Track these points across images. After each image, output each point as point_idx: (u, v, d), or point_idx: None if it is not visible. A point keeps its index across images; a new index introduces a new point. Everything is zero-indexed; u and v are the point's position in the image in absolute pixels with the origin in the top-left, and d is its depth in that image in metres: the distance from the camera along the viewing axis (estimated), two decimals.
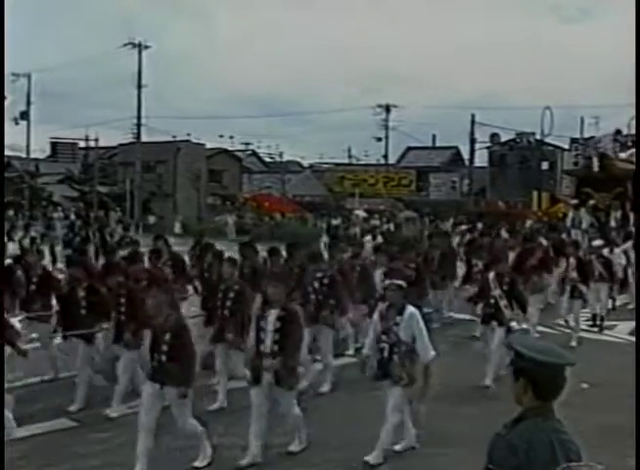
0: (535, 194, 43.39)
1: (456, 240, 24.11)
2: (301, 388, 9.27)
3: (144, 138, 57.81)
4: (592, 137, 28.78)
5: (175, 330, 7.32)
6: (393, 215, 49.08)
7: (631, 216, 24.25)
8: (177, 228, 47.84)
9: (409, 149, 68.99)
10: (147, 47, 56.29)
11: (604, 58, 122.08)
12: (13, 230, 24.81)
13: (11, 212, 40.46)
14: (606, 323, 16.04)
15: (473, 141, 54.90)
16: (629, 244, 19.93)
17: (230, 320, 9.55)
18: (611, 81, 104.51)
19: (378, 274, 12.12)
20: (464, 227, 25.59)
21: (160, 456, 7.43)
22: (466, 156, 60.52)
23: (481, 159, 58.44)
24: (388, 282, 8.09)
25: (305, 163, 75.65)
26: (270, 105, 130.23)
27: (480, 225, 37.81)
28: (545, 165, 50.29)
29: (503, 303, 10.91)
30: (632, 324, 15.84)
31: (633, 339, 14.77)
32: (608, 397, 10.20)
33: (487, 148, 57.36)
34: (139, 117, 56.74)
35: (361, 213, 47.22)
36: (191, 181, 58.00)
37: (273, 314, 7.62)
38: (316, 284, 10.80)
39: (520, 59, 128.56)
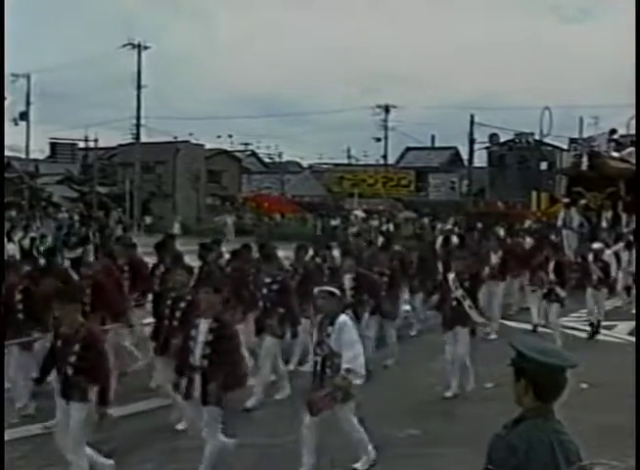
0: (534, 194, 43.38)
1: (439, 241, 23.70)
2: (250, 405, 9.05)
3: (143, 139, 57.88)
4: (591, 137, 28.36)
5: (86, 341, 6.64)
6: (393, 216, 49.11)
7: (623, 217, 24.15)
8: (176, 229, 47.79)
9: (408, 149, 68.96)
10: (146, 48, 56.37)
11: (603, 58, 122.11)
12: (12, 231, 24.79)
13: (13, 213, 40.48)
14: (605, 323, 16.01)
15: (472, 141, 54.93)
16: (620, 245, 19.66)
17: (177, 332, 8.46)
18: (610, 81, 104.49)
19: (346, 279, 11.02)
20: (448, 227, 24.72)
21: None
22: (465, 156, 60.57)
23: (481, 159, 58.47)
24: (317, 290, 7.52)
25: (305, 163, 75.70)
26: (269, 105, 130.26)
27: (460, 224, 37.91)
28: (544, 166, 50.29)
29: (467, 303, 10.23)
30: (631, 324, 15.84)
31: (633, 339, 14.77)
32: (607, 397, 10.20)
33: (486, 148, 57.34)
34: (138, 118, 56.79)
35: (360, 214, 47.26)
36: (190, 182, 58.02)
37: (204, 324, 7.00)
38: (265, 290, 10.06)
39: (519, 59, 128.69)
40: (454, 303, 10.29)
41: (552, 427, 3.24)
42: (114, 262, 12.18)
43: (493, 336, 14.22)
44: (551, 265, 13.84)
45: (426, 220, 44.01)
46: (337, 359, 7.04)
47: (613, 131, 27.84)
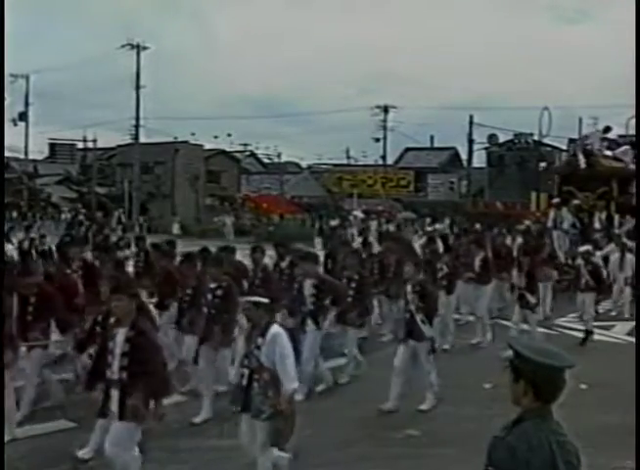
0: (534, 195, 43.38)
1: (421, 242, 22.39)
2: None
3: (142, 139, 57.88)
4: (584, 136, 27.70)
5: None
6: (392, 216, 49.11)
7: (616, 218, 23.44)
8: (176, 229, 47.87)
9: (407, 150, 69.03)
10: (145, 48, 56.36)
11: (602, 58, 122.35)
12: (11, 231, 24.80)
13: (14, 214, 40.54)
14: (604, 324, 16.01)
15: (471, 142, 55.01)
16: (611, 247, 19.21)
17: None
18: (609, 82, 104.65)
19: (307, 285, 10.29)
20: (429, 229, 23.27)
21: None
22: (464, 156, 60.66)
23: (480, 159, 58.54)
24: (244, 300, 6.98)
25: (304, 163, 75.78)
26: (269, 106, 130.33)
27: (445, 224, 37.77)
28: (543, 166, 50.31)
29: (419, 317, 9.43)
30: (630, 325, 15.87)
31: (631, 339, 14.80)
32: (605, 397, 10.22)
33: (485, 149, 57.37)
34: (137, 119, 56.79)
35: (359, 214, 47.18)
36: (189, 182, 58.06)
37: (121, 334, 6.44)
38: (209, 296, 9.44)
39: (518, 60, 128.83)
40: (407, 314, 9.57)
41: (551, 428, 3.25)
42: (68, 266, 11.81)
43: (477, 340, 13.93)
44: (523, 269, 13.26)
45: (428, 220, 43.94)
46: (265, 374, 6.47)
47: (606, 129, 26.94)
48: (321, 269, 12.51)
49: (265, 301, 6.67)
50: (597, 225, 22.87)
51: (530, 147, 53.98)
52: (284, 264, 12.60)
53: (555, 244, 22.06)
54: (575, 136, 26.49)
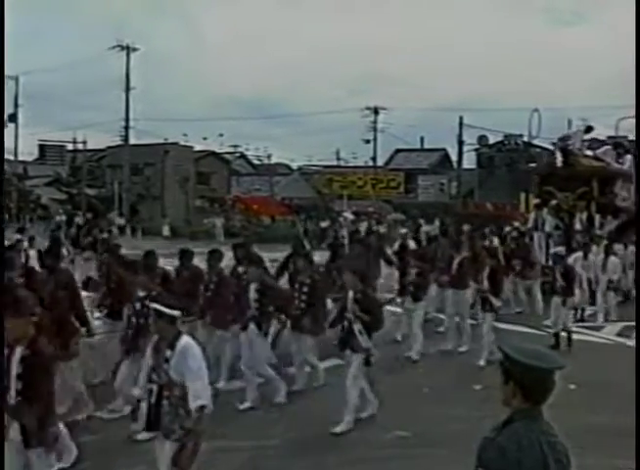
0: (523, 196, 43.45)
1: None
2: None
3: (132, 141, 57.81)
4: (566, 135, 27.13)
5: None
6: (382, 217, 49.15)
7: (597, 218, 22.97)
8: (165, 231, 47.78)
9: (397, 151, 69.08)
10: (135, 49, 56.32)
11: (594, 60, 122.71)
12: None
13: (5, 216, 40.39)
14: (593, 324, 16.03)
15: (461, 143, 55.13)
16: (578, 254, 18.04)
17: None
18: (600, 84, 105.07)
19: (252, 290, 9.96)
20: (403, 231, 21.93)
21: None
22: (454, 158, 60.77)
23: (470, 161, 58.67)
24: (152, 306, 6.41)
25: (294, 165, 75.69)
26: (258, 107, 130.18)
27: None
28: (525, 167, 50.44)
29: (357, 327, 8.78)
30: (620, 325, 15.92)
31: (620, 340, 14.86)
32: (595, 397, 10.24)
33: (475, 150, 57.52)
34: (127, 120, 56.72)
35: (349, 216, 47.18)
36: (179, 184, 57.97)
37: (17, 354, 5.75)
38: (137, 305, 8.84)
39: (509, 61, 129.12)
40: (346, 323, 9.00)
41: (541, 428, 3.26)
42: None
43: (464, 348, 13.48)
44: (485, 272, 12.73)
45: (421, 221, 43.96)
46: (175, 390, 5.89)
47: (588, 129, 26.16)
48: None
49: (168, 311, 6.01)
50: (578, 226, 22.44)
51: (520, 148, 54.13)
52: (241, 269, 11.70)
53: (535, 245, 21.68)
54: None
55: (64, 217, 42.14)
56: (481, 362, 11.97)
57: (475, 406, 9.05)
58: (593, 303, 17.35)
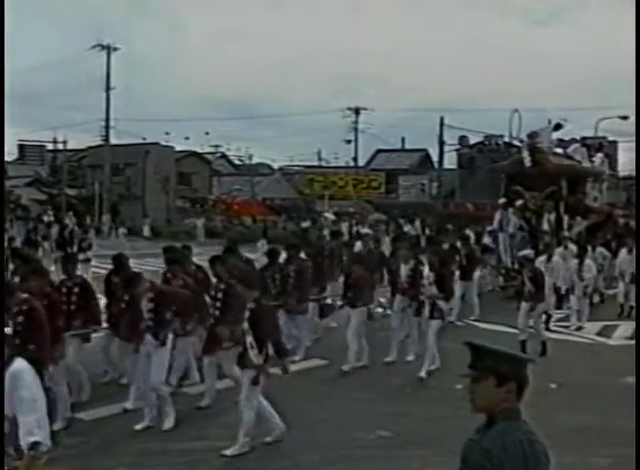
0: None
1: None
2: None
3: (113, 141, 57.53)
4: (561, 140, 26.54)
5: None
6: (363, 218, 49.24)
7: (565, 219, 22.12)
8: (146, 231, 47.62)
9: (378, 151, 69.20)
10: (116, 49, 56.04)
11: (574, 61, 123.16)
12: None
13: None
14: (577, 323, 16.05)
15: (442, 144, 55.19)
16: (559, 251, 17.75)
17: None
18: (580, 84, 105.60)
19: (144, 301, 9.02)
20: (364, 230, 20.68)
21: None
22: (435, 158, 60.80)
23: (451, 161, 58.73)
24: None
25: (275, 165, 75.57)
26: (240, 107, 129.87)
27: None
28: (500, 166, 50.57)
29: (249, 340, 7.95)
30: (599, 325, 16.02)
31: (601, 339, 14.95)
32: (575, 397, 10.29)
33: (456, 150, 57.64)
34: (108, 120, 56.45)
35: (330, 216, 47.35)
36: (160, 184, 57.73)
37: None
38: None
39: (489, 61, 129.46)
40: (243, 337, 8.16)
41: (522, 428, 3.27)
42: None
43: (410, 358, 12.44)
44: (431, 276, 11.73)
45: (402, 221, 44.05)
46: (10, 427, 4.85)
47: (557, 126, 25.08)
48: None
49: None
50: (545, 227, 21.61)
51: (501, 148, 54.29)
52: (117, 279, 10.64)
53: (500, 247, 21.29)
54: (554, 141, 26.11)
55: (52, 218, 41.80)
56: (422, 374, 11.20)
57: (457, 405, 9.07)
58: (559, 306, 16.87)
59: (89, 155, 61.12)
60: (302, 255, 14.13)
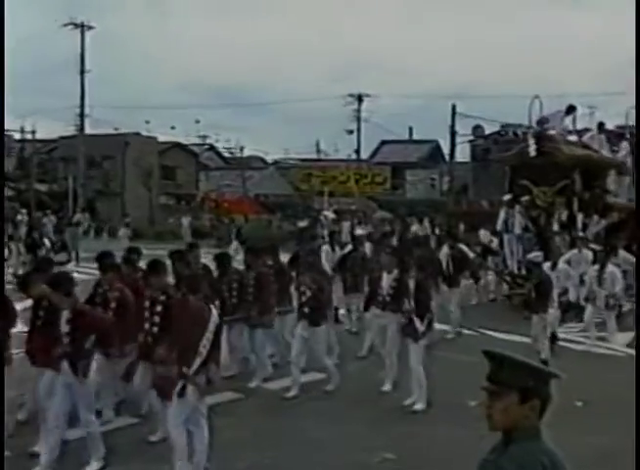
0: None
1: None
2: None
3: (88, 130, 57.44)
4: (586, 129, 25.54)
5: None
6: (366, 216, 49.15)
7: (579, 217, 20.90)
8: (122, 233, 47.00)
9: (383, 143, 69.21)
10: (90, 28, 55.96)
11: (601, 44, 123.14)
12: None
13: None
14: (598, 334, 15.94)
15: (453, 134, 55.16)
16: (571, 253, 17.53)
17: None
18: (608, 69, 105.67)
19: (62, 321, 8.38)
20: (359, 232, 20.03)
21: None
22: (446, 150, 60.82)
23: (463, 154, 58.80)
24: None
25: (269, 158, 75.72)
26: (229, 94, 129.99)
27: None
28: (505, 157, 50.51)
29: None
30: (629, 335, 15.87)
31: (630, 351, 14.83)
32: (603, 415, 10.22)
33: (470, 141, 57.62)
34: (82, 107, 56.33)
35: (330, 214, 47.19)
36: (141, 179, 57.71)
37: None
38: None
39: (506, 45, 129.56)
40: None
41: (543, 448, 3.26)
42: None
43: (386, 388, 11.72)
44: (410, 287, 10.99)
45: (409, 220, 43.96)
46: None
47: (570, 109, 23.10)
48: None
49: None
50: (556, 227, 20.58)
51: (519, 139, 54.25)
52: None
53: (506, 250, 20.72)
54: (570, 128, 25.58)
55: (26, 217, 41.74)
56: (411, 403, 10.70)
57: (470, 425, 9.01)
58: (563, 319, 16.14)
59: (61, 146, 61.11)
60: (271, 261, 13.30)
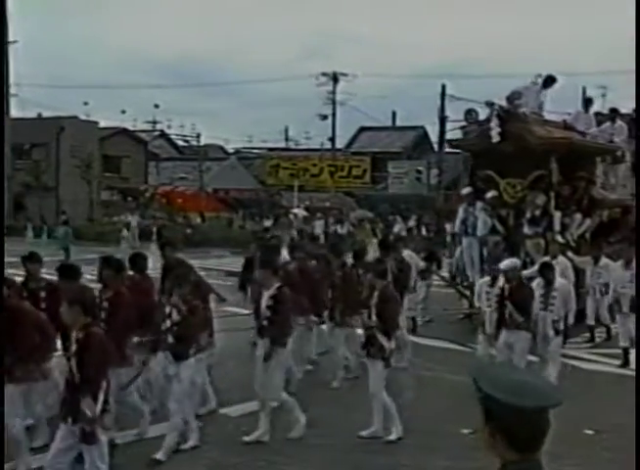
0: None
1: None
2: None
3: (14, 113, 57.18)
4: (599, 113, 24.18)
5: None
6: (342, 215, 49.22)
7: (557, 216, 19.16)
8: (29, 236, 46.33)
9: (362, 129, 69.45)
10: None
11: (612, 16, 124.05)
12: None
13: None
14: (613, 351, 16.00)
15: (443, 119, 55.39)
16: (534, 268, 15.27)
17: None
18: (621, 44, 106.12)
19: None
20: (317, 231, 19.70)
21: None
22: (434, 138, 61.10)
23: None
24: None
25: (230, 147, 75.85)
26: (182, 73, 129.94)
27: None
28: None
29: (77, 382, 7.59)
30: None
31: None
32: (618, 446, 10.24)
33: (462, 128, 57.67)
34: (6, 85, 55.99)
35: (300, 213, 47.26)
36: (79, 170, 57.48)
37: None
38: None
39: (503, 16, 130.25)
40: None
41: None
42: None
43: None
44: (373, 301, 10.83)
45: (392, 218, 44.09)
46: None
47: (549, 80, 21.10)
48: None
49: None
50: (526, 229, 18.82)
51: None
52: None
53: (465, 257, 19.71)
54: (572, 110, 24.91)
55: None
56: (392, 437, 10.51)
57: (463, 455, 9.01)
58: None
59: None
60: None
